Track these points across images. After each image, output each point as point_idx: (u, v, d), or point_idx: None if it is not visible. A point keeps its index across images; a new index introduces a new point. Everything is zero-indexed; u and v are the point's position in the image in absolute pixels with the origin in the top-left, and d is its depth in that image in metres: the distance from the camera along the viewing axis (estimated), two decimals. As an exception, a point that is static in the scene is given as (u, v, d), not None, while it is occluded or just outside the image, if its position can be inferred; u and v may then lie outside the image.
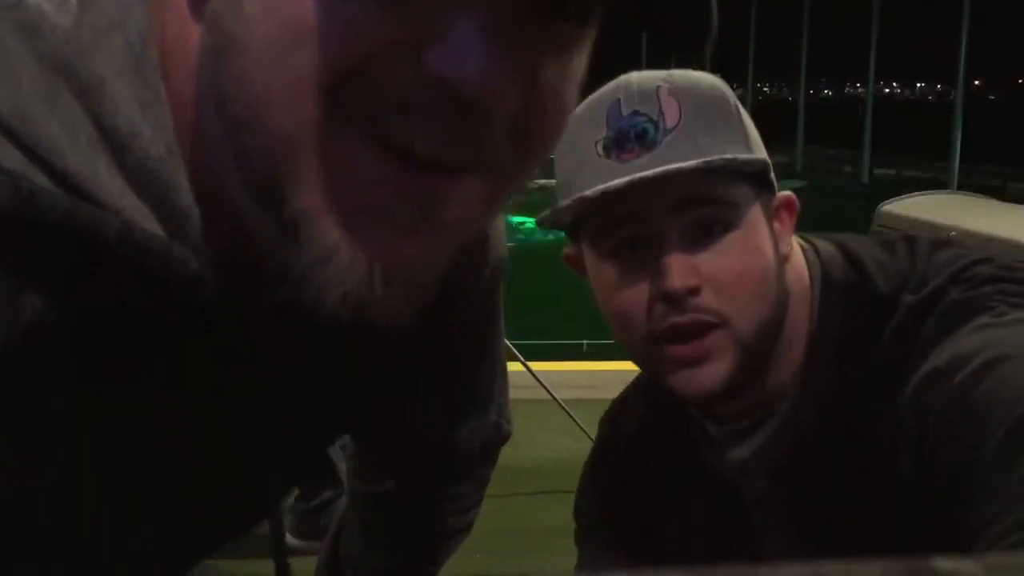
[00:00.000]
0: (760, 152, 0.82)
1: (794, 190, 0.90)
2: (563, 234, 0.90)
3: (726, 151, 0.77)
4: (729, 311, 0.78)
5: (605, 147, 0.78)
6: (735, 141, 0.79)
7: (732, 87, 0.85)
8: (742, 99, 0.87)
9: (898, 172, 16.69)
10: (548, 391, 3.29)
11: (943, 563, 0.21)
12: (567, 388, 3.47)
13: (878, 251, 0.83)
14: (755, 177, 0.80)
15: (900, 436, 0.73)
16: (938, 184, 11.96)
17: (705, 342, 0.78)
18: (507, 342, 3.40)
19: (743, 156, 0.77)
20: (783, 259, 0.82)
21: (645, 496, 0.95)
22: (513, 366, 3.40)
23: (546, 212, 0.83)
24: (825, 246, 0.87)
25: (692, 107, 0.78)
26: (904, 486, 0.73)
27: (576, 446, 3.12)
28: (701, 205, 0.78)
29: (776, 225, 0.83)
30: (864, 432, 0.77)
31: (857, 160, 16.24)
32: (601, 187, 0.75)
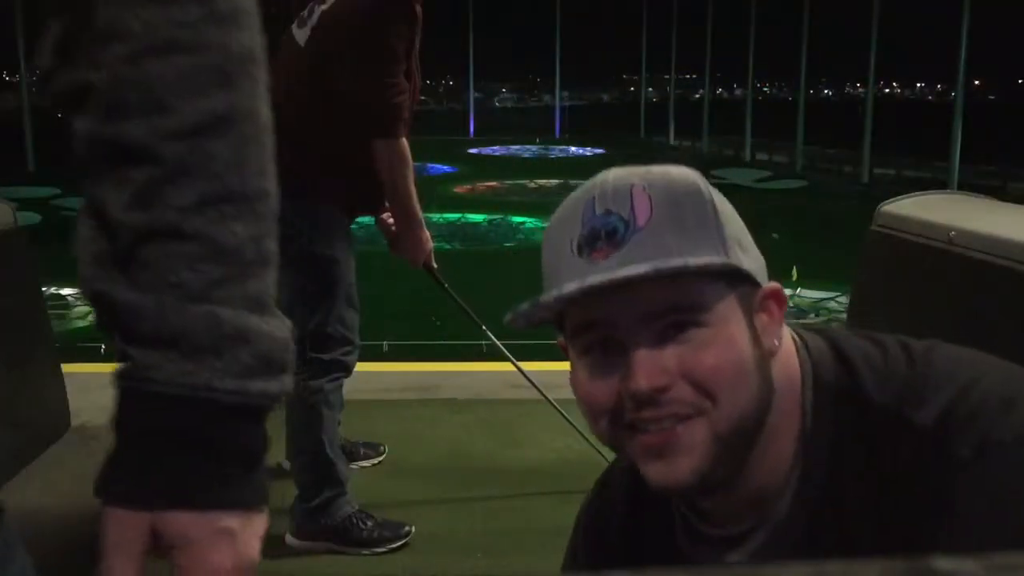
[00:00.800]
0: (737, 247, 0.80)
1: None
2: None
3: (695, 251, 0.76)
4: (705, 404, 0.77)
5: (578, 245, 0.79)
6: (707, 239, 0.78)
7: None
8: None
9: (898, 172, 16.65)
10: (540, 391, 3.28)
11: (943, 563, 0.21)
12: (566, 388, 3.45)
13: (869, 347, 0.83)
14: (728, 273, 0.79)
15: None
16: (938, 184, 11.95)
17: (677, 430, 0.77)
18: (497, 342, 3.36)
19: (695, 261, 0.75)
20: (767, 353, 0.81)
21: None
22: (506, 367, 3.40)
23: (522, 306, 0.81)
24: (815, 342, 0.86)
25: (664, 205, 0.78)
26: None
27: (576, 446, 3.11)
28: (663, 314, 0.77)
29: (763, 317, 0.81)
30: (864, 547, 0.77)
31: (857, 160, 16.20)
32: (555, 293, 0.77)
